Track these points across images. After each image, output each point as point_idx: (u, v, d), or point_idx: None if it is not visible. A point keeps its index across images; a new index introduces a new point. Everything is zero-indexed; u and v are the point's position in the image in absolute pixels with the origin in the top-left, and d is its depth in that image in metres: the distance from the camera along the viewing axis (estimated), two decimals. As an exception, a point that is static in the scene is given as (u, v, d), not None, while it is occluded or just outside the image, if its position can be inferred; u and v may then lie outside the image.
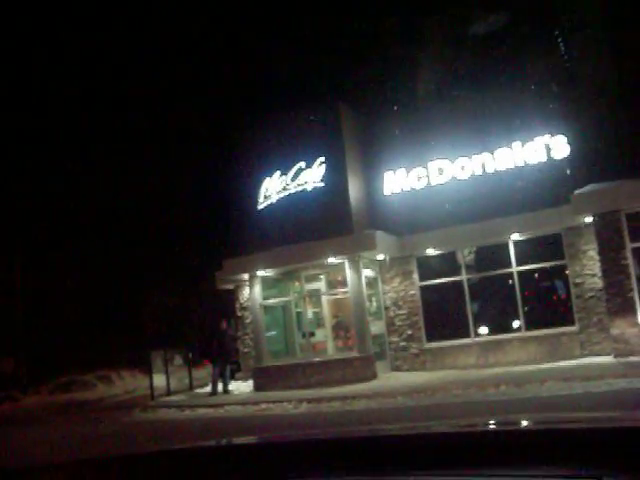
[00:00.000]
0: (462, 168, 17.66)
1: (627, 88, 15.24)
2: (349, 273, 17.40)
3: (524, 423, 1.88)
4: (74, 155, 31.45)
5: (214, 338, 18.70)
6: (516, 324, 17.07)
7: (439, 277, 17.97)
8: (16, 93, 32.04)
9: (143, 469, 1.83)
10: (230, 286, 20.71)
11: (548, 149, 16.84)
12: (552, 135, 16.77)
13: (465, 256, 17.93)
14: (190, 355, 21.45)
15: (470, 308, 17.60)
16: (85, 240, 33.19)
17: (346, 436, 1.94)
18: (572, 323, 16.48)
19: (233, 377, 19.68)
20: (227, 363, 18.66)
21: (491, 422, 2.00)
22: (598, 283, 15.88)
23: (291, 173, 18.61)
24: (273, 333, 19.61)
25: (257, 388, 18.02)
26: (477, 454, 1.32)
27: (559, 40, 16.95)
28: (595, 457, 1.16)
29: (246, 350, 20.30)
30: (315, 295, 19.25)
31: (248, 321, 19.84)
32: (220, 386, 18.34)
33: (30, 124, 31.92)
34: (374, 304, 18.60)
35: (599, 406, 10.06)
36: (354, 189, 18.37)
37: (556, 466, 1.17)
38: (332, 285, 19.00)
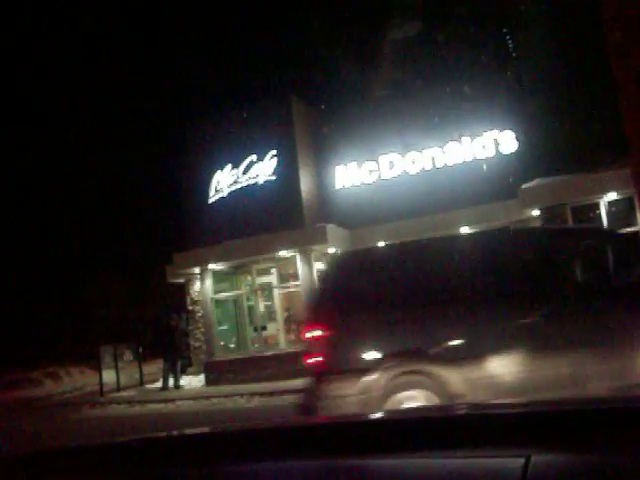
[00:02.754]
0: (413, 162, 17.83)
1: (572, 85, 15.59)
2: (300, 266, 17.41)
3: (460, 409, 1.97)
4: (27, 148, 30.69)
5: (165, 333, 18.51)
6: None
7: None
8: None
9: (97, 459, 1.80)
10: (181, 280, 20.50)
11: (497, 144, 17.15)
12: (500, 130, 17.08)
13: (415, 249, 18.09)
14: (140, 350, 21.18)
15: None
16: (32, 231, 32.44)
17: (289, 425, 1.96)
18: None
19: (184, 372, 19.50)
20: (178, 358, 18.50)
21: (426, 409, 2.09)
22: (544, 275, 16.21)
23: (242, 166, 18.51)
24: (224, 327, 19.49)
25: (209, 382, 17.90)
26: (410, 439, 1.39)
27: (507, 37, 17.25)
28: (524, 438, 1.24)
29: (197, 344, 20.14)
30: (267, 288, 19.19)
31: (199, 315, 19.68)
32: (171, 381, 18.16)
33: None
34: (326, 297, 18.61)
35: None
36: (306, 182, 18.38)
37: (488, 447, 1.25)
38: (283, 278, 18.97)
